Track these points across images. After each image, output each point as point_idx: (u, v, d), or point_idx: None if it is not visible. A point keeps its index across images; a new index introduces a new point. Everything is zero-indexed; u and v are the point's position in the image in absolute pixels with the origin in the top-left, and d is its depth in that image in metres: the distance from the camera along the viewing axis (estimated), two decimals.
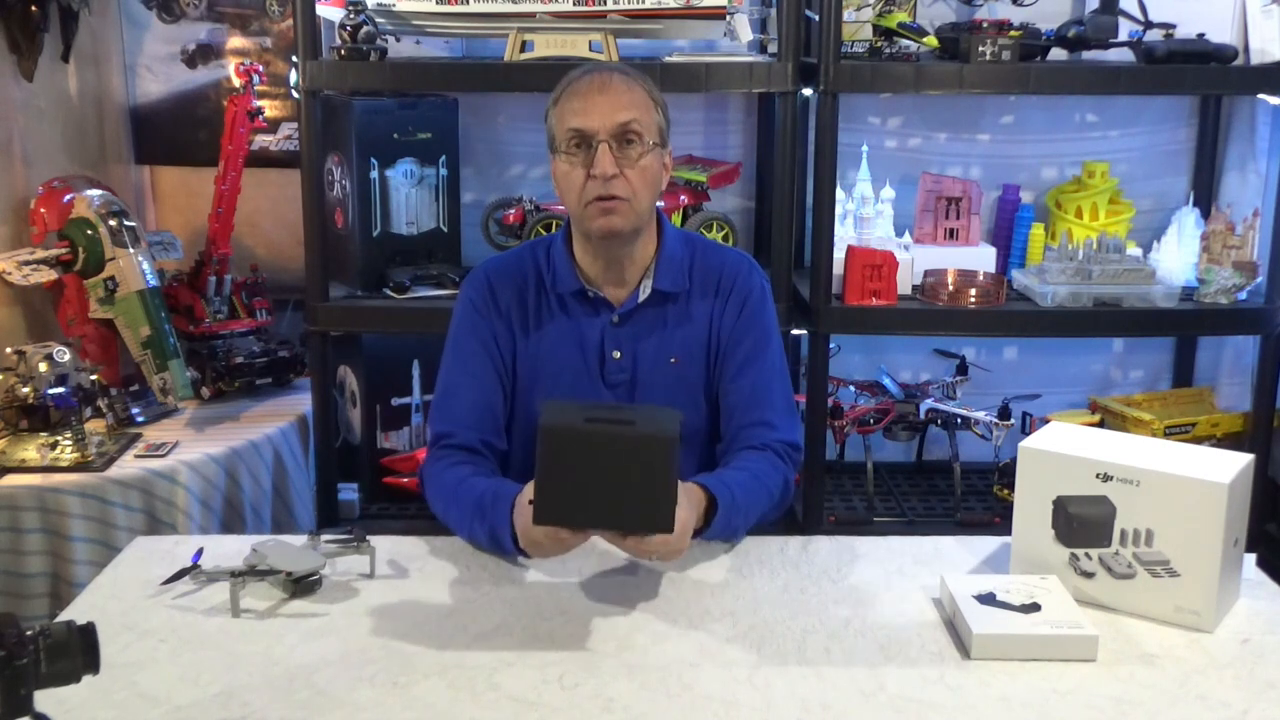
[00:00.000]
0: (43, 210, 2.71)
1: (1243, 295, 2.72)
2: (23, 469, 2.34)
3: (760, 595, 1.63)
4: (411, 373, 2.91)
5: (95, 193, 2.68)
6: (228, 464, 2.51)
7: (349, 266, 2.80)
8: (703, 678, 1.42)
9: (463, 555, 1.74)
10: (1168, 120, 3.08)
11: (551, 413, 1.49)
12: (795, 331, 2.72)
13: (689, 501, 1.60)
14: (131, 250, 2.58)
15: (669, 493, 1.47)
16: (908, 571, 1.71)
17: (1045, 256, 2.84)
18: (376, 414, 2.91)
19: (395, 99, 2.80)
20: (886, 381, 2.98)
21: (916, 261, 2.79)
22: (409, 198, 2.83)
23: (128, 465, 2.39)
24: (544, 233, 2.72)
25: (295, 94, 2.64)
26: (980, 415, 2.81)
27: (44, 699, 1.15)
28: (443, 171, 2.86)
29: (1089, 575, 1.60)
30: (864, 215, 2.87)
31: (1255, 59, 2.65)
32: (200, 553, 1.68)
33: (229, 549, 1.72)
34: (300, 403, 2.82)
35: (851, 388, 2.99)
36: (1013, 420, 2.80)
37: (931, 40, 2.67)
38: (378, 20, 2.65)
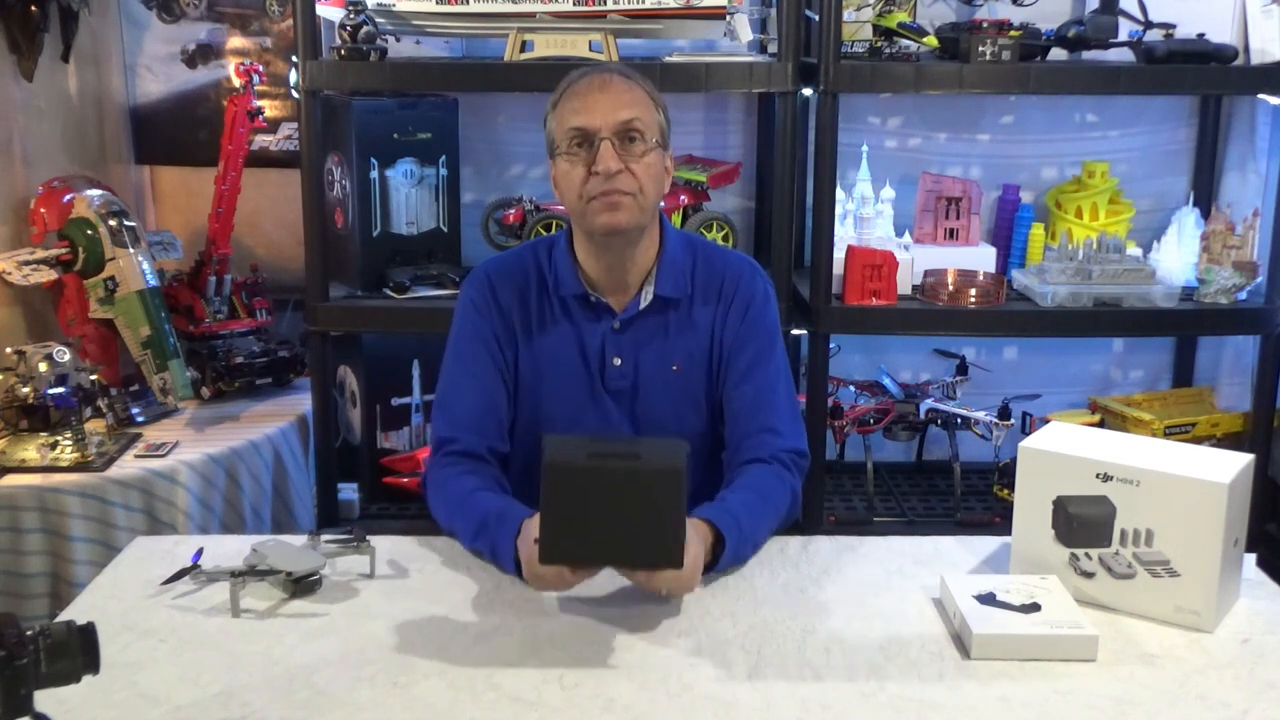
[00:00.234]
0: (43, 210, 2.71)
1: (1243, 295, 2.72)
2: (23, 469, 2.34)
3: (760, 595, 1.63)
4: (411, 373, 2.91)
5: (95, 193, 2.68)
6: (228, 464, 2.51)
7: (349, 266, 2.80)
8: (703, 678, 1.41)
9: (463, 556, 1.74)
10: (1168, 120, 3.08)
11: (554, 448, 1.43)
12: (795, 331, 2.72)
13: (697, 536, 1.57)
14: (131, 250, 2.58)
15: (678, 526, 1.44)
16: (908, 571, 1.71)
17: (1045, 256, 2.84)
18: (376, 414, 2.91)
19: (395, 99, 2.80)
20: (886, 381, 2.98)
21: (916, 261, 2.80)
22: (409, 198, 2.83)
23: (128, 465, 2.39)
24: (544, 233, 2.73)
25: (295, 94, 2.64)
26: (980, 415, 2.81)
27: (44, 699, 1.14)
28: (443, 171, 2.86)
29: (1089, 575, 1.60)
30: (864, 215, 2.87)
31: (1255, 59, 2.65)
32: (200, 553, 1.68)
33: (229, 549, 1.71)
34: (300, 403, 2.82)
35: (851, 388, 2.99)
36: (1013, 420, 2.80)
37: (931, 40, 2.67)
38: (378, 20, 2.65)
